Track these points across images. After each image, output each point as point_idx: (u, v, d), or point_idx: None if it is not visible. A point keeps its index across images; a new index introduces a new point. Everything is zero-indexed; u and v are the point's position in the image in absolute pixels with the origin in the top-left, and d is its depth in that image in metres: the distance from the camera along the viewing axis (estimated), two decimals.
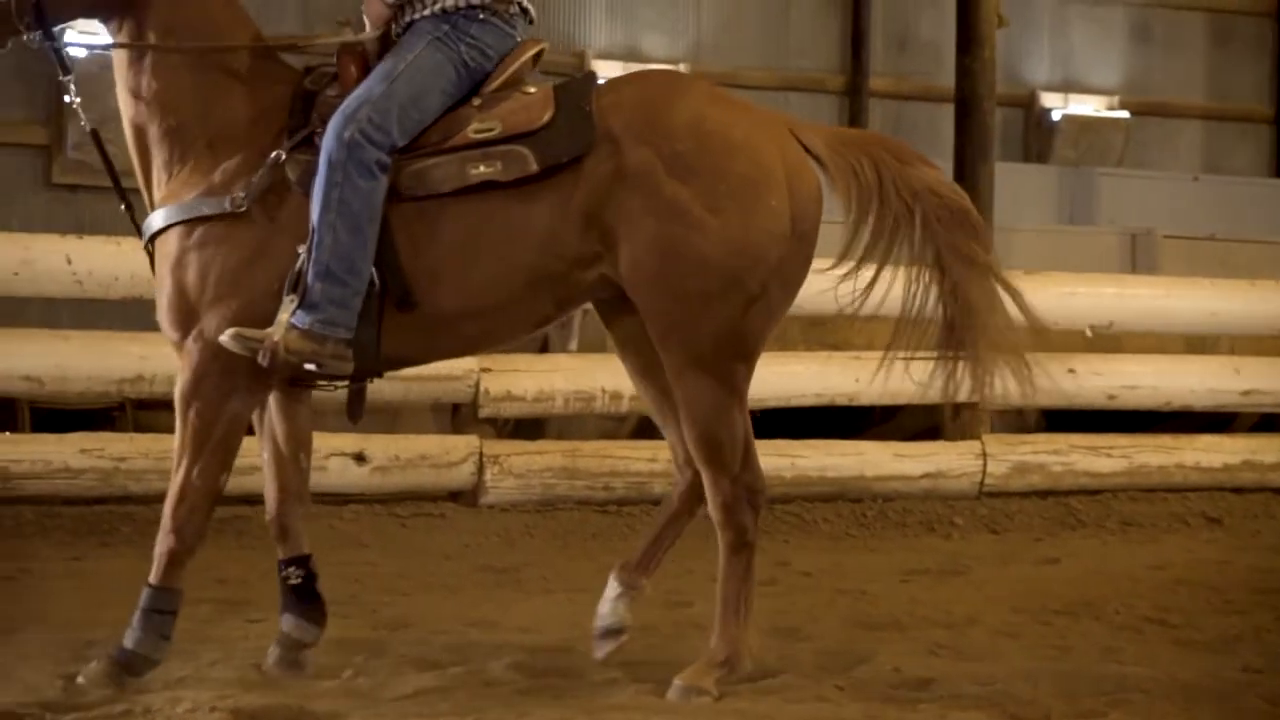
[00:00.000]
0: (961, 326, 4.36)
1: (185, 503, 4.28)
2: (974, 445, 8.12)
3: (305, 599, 4.51)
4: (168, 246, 4.31)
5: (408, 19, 4.39)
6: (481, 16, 4.38)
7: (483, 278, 4.27)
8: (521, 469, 7.33)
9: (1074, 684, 4.51)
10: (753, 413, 4.58)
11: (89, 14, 4.46)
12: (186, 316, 4.28)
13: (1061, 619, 5.65)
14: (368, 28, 4.43)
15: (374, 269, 4.22)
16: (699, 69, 11.41)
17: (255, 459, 6.80)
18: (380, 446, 7.17)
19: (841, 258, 4.37)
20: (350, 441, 7.11)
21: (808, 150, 4.39)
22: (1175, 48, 13.65)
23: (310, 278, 4.16)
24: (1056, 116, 13.06)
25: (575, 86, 4.39)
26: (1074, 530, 7.92)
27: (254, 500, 6.92)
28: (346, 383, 4.42)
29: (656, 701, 4.25)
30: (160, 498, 6.60)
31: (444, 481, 7.27)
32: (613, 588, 4.62)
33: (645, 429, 8.34)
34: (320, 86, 4.37)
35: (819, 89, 11.97)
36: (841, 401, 7.95)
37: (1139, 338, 8.71)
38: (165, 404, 6.86)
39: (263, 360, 4.14)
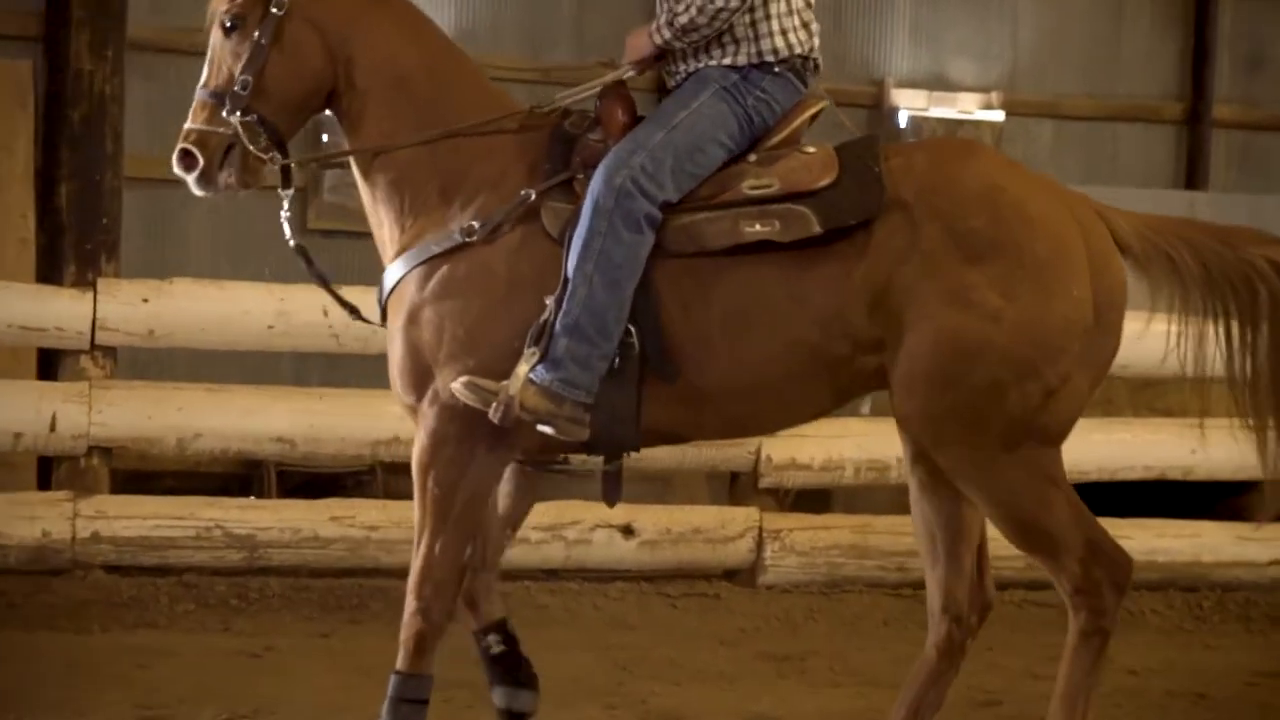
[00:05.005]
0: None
1: (430, 580, 4.24)
2: None
3: (512, 667, 4.53)
4: (401, 302, 4.32)
5: (692, 66, 4.34)
6: (777, 70, 4.32)
7: (754, 352, 4.21)
8: (805, 546, 7.17)
9: None
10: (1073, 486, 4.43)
11: (317, 110, 4.47)
12: (421, 377, 4.27)
13: None
14: (626, 61, 4.41)
15: (633, 331, 4.18)
16: (1013, 98, 11.11)
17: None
18: (650, 518, 7.08)
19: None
20: (618, 513, 6.98)
21: (1113, 234, 4.28)
22: None
23: (556, 331, 4.14)
24: None
25: (858, 146, 4.34)
26: None
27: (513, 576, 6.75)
28: (603, 461, 4.34)
29: None
30: None
31: (719, 558, 7.17)
32: None
33: None
34: (581, 129, 4.34)
35: (1152, 118, 11.45)
36: (1175, 475, 7.59)
37: None
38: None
39: (495, 415, 4.11)
